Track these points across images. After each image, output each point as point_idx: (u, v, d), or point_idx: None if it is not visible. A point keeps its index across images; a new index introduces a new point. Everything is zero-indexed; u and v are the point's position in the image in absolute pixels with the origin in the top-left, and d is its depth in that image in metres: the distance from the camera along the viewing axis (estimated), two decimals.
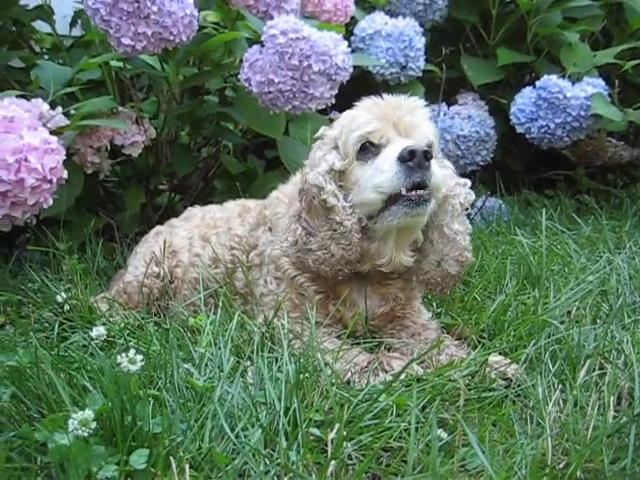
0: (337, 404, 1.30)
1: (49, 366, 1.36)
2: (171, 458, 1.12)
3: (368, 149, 1.69)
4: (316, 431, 1.24)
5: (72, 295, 1.98)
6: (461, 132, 3.51)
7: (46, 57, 3.16)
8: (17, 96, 2.37)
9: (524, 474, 1.13)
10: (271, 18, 2.59)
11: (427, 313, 1.92)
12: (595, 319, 1.82)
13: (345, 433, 1.20)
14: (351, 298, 1.79)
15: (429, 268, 1.78)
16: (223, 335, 1.60)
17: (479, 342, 1.76)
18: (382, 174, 1.63)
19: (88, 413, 1.10)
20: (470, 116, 3.56)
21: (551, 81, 3.30)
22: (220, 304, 1.84)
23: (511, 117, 3.47)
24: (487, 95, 3.70)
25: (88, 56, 2.81)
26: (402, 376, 1.45)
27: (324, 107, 2.64)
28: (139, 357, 1.20)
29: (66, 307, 1.95)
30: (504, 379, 1.52)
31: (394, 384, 1.40)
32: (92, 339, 1.56)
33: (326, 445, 1.21)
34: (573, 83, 3.32)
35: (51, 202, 2.18)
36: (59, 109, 2.48)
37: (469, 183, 1.82)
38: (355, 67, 2.71)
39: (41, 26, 3.18)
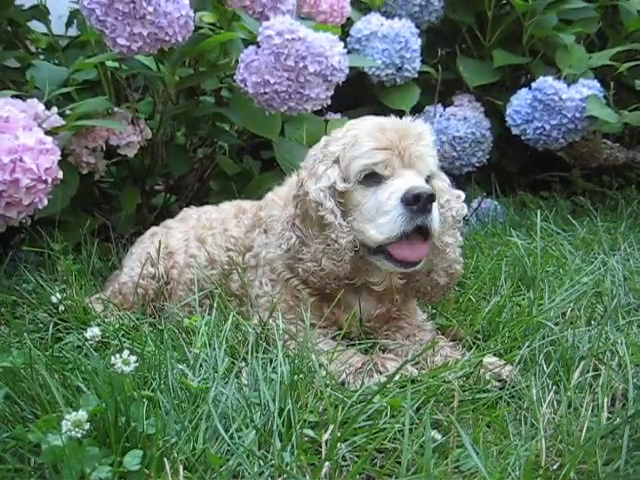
0: (331, 405, 1.30)
1: (43, 367, 1.35)
2: (165, 459, 1.12)
3: (372, 176, 1.67)
4: (310, 432, 1.24)
5: (67, 296, 1.97)
6: (457, 133, 3.52)
7: (42, 57, 3.16)
8: (12, 96, 2.36)
9: (518, 475, 1.13)
10: (267, 19, 2.59)
11: (422, 314, 1.92)
12: (589, 320, 1.83)
13: (339, 434, 1.20)
14: (346, 301, 1.79)
15: (420, 277, 1.79)
16: (218, 336, 1.60)
17: (474, 343, 1.76)
18: (385, 214, 1.62)
19: (81, 414, 1.10)
20: (466, 117, 3.56)
21: (547, 83, 3.31)
22: (215, 305, 1.84)
23: (507, 118, 3.48)
24: (483, 96, 3.71)
25: (84, 56, 2.81)
26: (396, 377, 1.45)
27: (320, 108, 2.64)
28: (133, 358, 1.20)
29: (61, 308, 1.94)
30: (498, 380, 1.52)
31: (388, 385, 1.40)
32: (86, 340, 1.55)
33: (320, 446, 1.21)
34: (568, 85, 3.33)
35: (46, 202, 2.18)
36: (54, 109, 2.48)
37: (463, 196, 1.83)
38: (351, 68, 2.71)
39: (37, 26, 3.18)
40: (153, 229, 2.32)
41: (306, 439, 1.23)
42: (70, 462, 1.05)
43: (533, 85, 3.38)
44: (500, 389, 1.48)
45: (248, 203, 2.14)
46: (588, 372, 1.48)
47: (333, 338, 1.73)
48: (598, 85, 3.33)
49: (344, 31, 3.34)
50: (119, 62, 2.73)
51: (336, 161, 1.72)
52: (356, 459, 1.20)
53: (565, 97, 3.26)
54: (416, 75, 3.41)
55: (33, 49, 3.29)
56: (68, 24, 3.30)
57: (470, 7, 3.70)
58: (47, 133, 2.25)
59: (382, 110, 3.46)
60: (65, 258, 2.25)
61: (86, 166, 2.70)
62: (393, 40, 3.30)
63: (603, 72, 3.52)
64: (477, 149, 3.56)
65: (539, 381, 1.48)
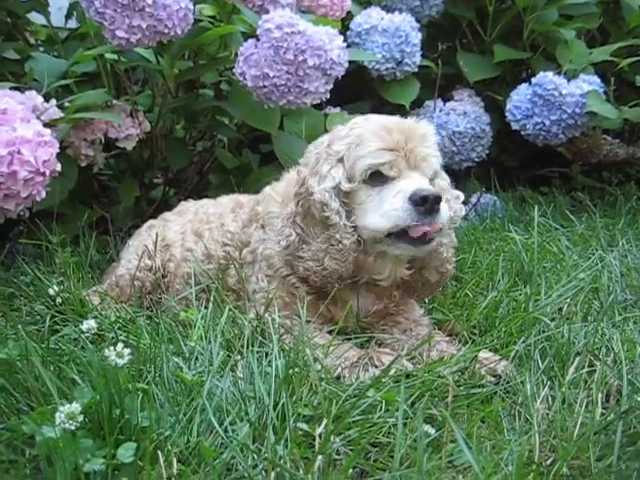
0: (326, 399, 1.31)
1: (38, 359, 1.35)
2: (159, 451, 1.12)
3: (377, 177, 1.67)
4: (304, 426, 1.24)
5: (64, 288, 1.97)
6: (456, 128, 3.51)
7: (41, 49, 3.16)
8: (11, 88, 2.36)
9: (510, 470, 1.13)
10: (267, 12, 2.59)
11: (420, 309, 1.92)
12: (586, 316, 1.83)
13: (333, 428, 1.20)
14: (343, 298, 1.78)
15: (411, 273, 1.79)
16: (214, 329, 1.60)
17: (470, 338, 1.77)
18: (393, 209, 1.61)
19: (75, 406, 1.10)
20: (466, 112, 3.55)
21: (547, 78, 3.30)
22: (212, 299, 1.84)
23: (507, 114, 3.47)
24: (483, 91, 3.70)
25: (83, 48, 2.81)
26: (392, 372, 1.45)
27: (319, 102, 2.64)
28: (127, 350, 1.20)
29: (58, 300, 1.94)
30: (494, 375, 1.52)
31: (383, 380, 1.40)
32: (82, 332, 1.56)
33: (314, 440, 1.21)
34: (569, 80, 3.32)
35: (44, 195, 2.17)
36: (53, 101, 2.48)
37: (462, 197, 1.83)
38: (351, 62, 2.71)
39: (36, 18, 3.17)
40: (150, 222, 2.32)
41: (300, 433, 1.23)
42: (64, 454, 1.05)
43: (533, 80, 3.37)
44: (495, 384, 1.49)
45: (245, 197, 2.14)
46: (583, 368, 1.48)
47: (329, 332, 1.73)
48: (598, 81, 3.32)
49: (344, 25, 3.33)
50: (118, 54, 2.73)
51: (340, 160, 1.71)
52: (349, 453, 1.20)
53: (565, 92, 3.26)
54: (416, 69, 3.40)
55: (32, 41, 3.28)
56: (67, 16, 3.29)
57: (471, 1, 3.69)
58: (45, 125, 2.25)
59: (382, 104, 3.47)
60: (63, 250, 2.26)
61: (85, 159, 2.70)
62: (393, 34, 3.30)
63: (604, 68, 3.52)
64: (477, 144, 3.56)
65: (534, 377, 1.48)
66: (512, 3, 3.58)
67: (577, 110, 3.27)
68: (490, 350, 1.64)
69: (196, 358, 1.49)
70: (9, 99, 2.19)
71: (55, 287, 1.95)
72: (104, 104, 2.73)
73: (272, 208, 1.88)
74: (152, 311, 2.00)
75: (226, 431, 1.22)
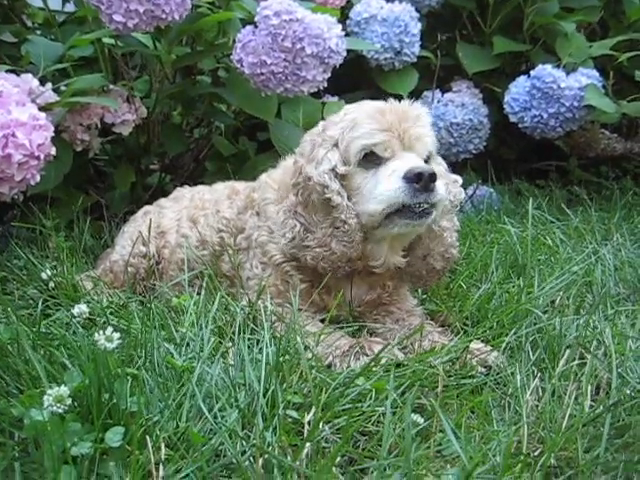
0: (316, 387, 1.31)
1: (27, 343, 1.35)
2: (147, 436, 1.12)
3: (371, 158, 1.67)
4: (294, 413, 1.25)
5: (57, 273, 1.97)
6: (454, 120, 3.50)
7: (38, 32, 3.13)
8: (7, 71, 2.35)
9: (498, 461, 1.14)
10: None
11: (413, 300, 1.93)
12: (578, 309, 1.83)
13: (322, 416, 1.20)
14: (337, 287, 1.78)
15: (415, 261, 1.79)
16: (205, 316, 1.60)
17: (462, 329, 1.77)
18: (386, 188, 1.62)
19: (63, 390, 1.10)
20: (464, 104, 3.55)
21: (545, 71, 3.29)
22: (204, 285, 1.84)
23: (505, 106, 3.46)
24: (481, 83, 3.69)
25: (80, 32, 2.79)
26: (383, 361, 1.45)
27: (316, 90, 2.63)
28: (116, 335, 1.20)
29: (51, 284, 1.94)
30: (484, 366, 1.53)
31: (374, 369, 1.41)
32: (73, 317, 1.55)
33: (303, 427, 1.21)
34: (568, 73, 3.31)
35: (38, 179, 2.16)
36: (49, 85, 2.46)
37: (460, 181, 1.83)
38: (349, 51, 2.70)
39: (33, 1, 3.15)
40: (146, 208, 2.32)
41: (289, 420, 1.23)
42: (52, 437, 1.05)
43: (532, 73, 3.36)
44: (485, 375, 1.49)
45: (241, 184, 2.14)
46: (574, 360, 1.48)
47: (321, 321, 1.73)
48: (597, 74, 3.31)
49: (343, 13, 3.32)
50: (115, 39, 2.71)
51: (335, 144, 1.71)
52: (338, 441, 1.21)
53: (564, 86, 3.25)
54: (415, 60, 3.39)
55: (29, 24, 3.26)
56: None
57: None
58: (41, 109, 2.24)
59: (380, 94, 3.44)
60: (57, 235, 2.25)
61: (80, 143, 2.69)
62: (392, 24, 3.28)
63: (603, 62, 3.51)
64: (474, 136, 3.55)
65: (524, 368, 1.48)
66: None
67: (575, 103, 3.26)
68: (482, 341, 1.64)
69: (187, 344, 1.50)
70: (4, 82, 2.17)
71: (48, 271, 1.95)
72: (101, 89, 2.72)
73: (268, 195, 1.88)
74: (145, 297, 1.99)
75: (215, 417, 1.22)
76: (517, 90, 3.39)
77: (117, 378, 1.21)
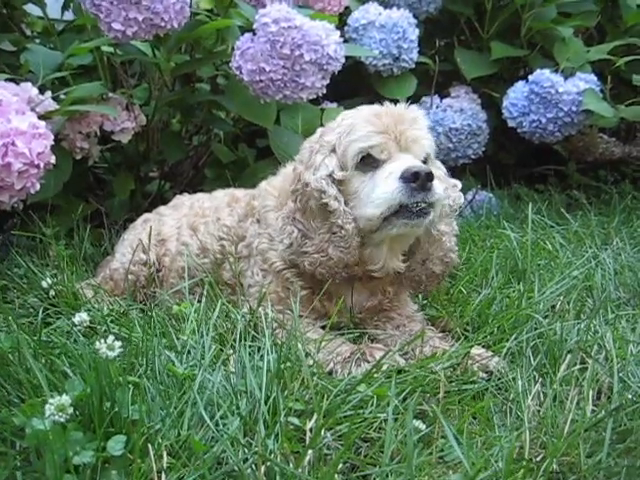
0: (317, 394, 1.31)
1: (30, 351, 1.35)
2: (149, 445, 1.12)
3: (368, 161, 1.67)
4: (295, 420, 1.24)
5: (58, 281, 1.97)
6: (453, 125, 3.51)
7: (37, 41, 3.14)
8: (6, 79, 2.35)
9: (500, 467, 1.13)
10: (264, 6, 2.59)
11: (413, 305, 1.92)
12: (579, 314, 1.83)
13: (324, 422, 1.20)
14: (338, 293, 1.78)
15: (415, 266, 1.79)
16: (206, 323, 1.60)
17: (463, 335, 1.77)
18: (383, 190, 1.62)
19: (65, 399, 1.10)
20: (462, 109, 3.55)
21: (543, 76, 3.30)
22: (205, 293, 1.84)
23: (503, 111, 3.47)
24: (480, 88, 3.70)
25: (80, 41, 2.80)
26: (384, 367, 1.45)
27: (315, 97, 2.63)
28: (117, 343, 1.20)
29: (51, 293, 1.94)
30: (486, 372, 1.53)
31: (375, 375, 1.41)
32: (74, 325, 1.55)
33: (305, 434, 1.21)
34: (566, 78, 3.32)
35: (38, 187, 2.17)
36: (48, 93, 2.47)
37: (459, 185, 1.83)
38: (348, 57, 2.71)
39: (32, 9, 3.15)
40: (145, 215, 2.32)
41: (291, 427, 1.23)
42: (53, 446, 1.05)
43: (530, 78, 3.37)
44: (487, 381, 1.49)
45: (241, 192, 2.14)
46: (575, 365, 1.48)
47: (323, 327, 1.73)
48: (595, 79, 3.32)
49: (342, 20, 3.34)
50: (114, 47, 2.72)
51: (333, 150, 1.72)
52: (340, 448, 1.20)
53: (562, 90, 3.25)
54: (413, 65, 3.40)
55: (28, 33, 3.27)
56: (64, 8, 3.27)
57: None
58: (40, 117, 2.24)
59: (378, 100, 3.44)
60: (57, 243, 2.25)
61: (80, 151, 2.70)
62: (391, 30, 3.29)
63: (601, 66, 3.51)
64: (473, 141, 3.56)
65: (525, 373, 1.48)
66: (510, 0, 3.57)
67: (573, 108, 3.27)
68: (482, 346, 1.64)
69: (188, 352, 1.49)
70: (4, 91, 2.18)
71: (48, 280, 1.95)
72: (100, 97, 2.73)
73: (268, 202, 1.88)
74: (146, 305, 1.99)
75: (217, 425, 1.22)
76: (515, 95, 3.40)
77: (118, 386, 1.21)
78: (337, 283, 1.76)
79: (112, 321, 1.74)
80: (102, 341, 1.21)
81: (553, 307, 1.90)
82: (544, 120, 3.32)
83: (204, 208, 2.14)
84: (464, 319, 1.84)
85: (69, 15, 3.32)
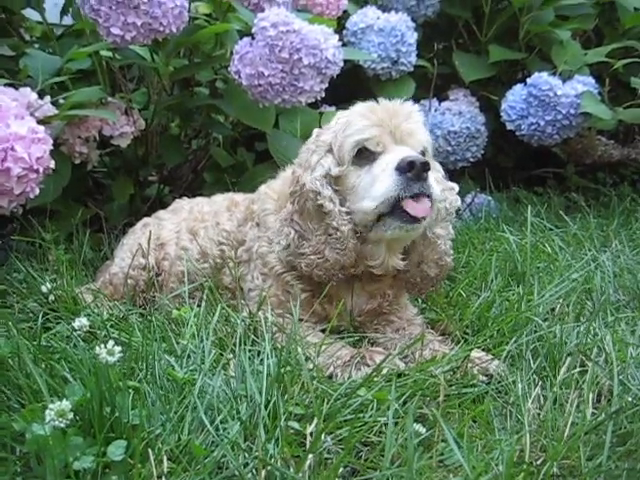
0: (317, 398, 1.31)
1: (30, 356, 1.35)
2: (149, 450, 1.12)
3: (364, 155, 1.68)
4: (295, 424, 1.24)
5: (57, 286, 1.97)
6: (452, 128, 3.51)
7: (36, 46, 3.14)
8: (5, 84, 2.35)
9: (501, 470, 1.13)
10: (262, 10, 2.59)
11: (413, 309, 1.93)
12: (578, 317, 1.83)
13: (324, 427, 1.20)
14: (338, 296, 1.78)
15: (410, 268, 1.79)
16: (206, 328, 1.60)
17: (462, 338, 1.77)
18: (380, 183, 1.62)
19: (65, 404, 1.10)
20: (461, 112, 3.56)
21: (542, 79, 3.30)
22: (205, 297, 1.84)
23: (502, 114, 3.47)
24: (478, 91, 3.70)
25: (78, 45, 2.80)
26: (384, 371, 1.45)
27: (314, 101, 2.64)
28: (117, 348, 1.20)
29: (51, 298, 1.94)
30: (485, 375, 1.53)
31: (375, 379, 1.41)
32: (74, 330, 1.55)
33: (305, 439, 1.21)
34: (564, 81, 3.33)
35: (37, 192, 2.16)
36: (47, 98, 2.47)
37: (457, 188, 1.83)
38: (346, 61, 2.71)
39: (31, 14, 3.15)
40: (145, 220, 2.32)
41: (291, 431, 1.23)
42: (53, 451, 1.05)
43: (528, 81, 3.37)
44: (487, 384, 1.49)
45: (240, 196, 2.14)
46: (575, 368, 1.48)
47: (322, 331, 1.73)
48: (593, 82, 3.33)
49: (340, 24, 3.34)
50: (113, 52, 2.72)
51: (329, 150, 1.72)
52: (340, 452, 1.21)
53: (560, 93, 3.26)
54: (412, 69, 3.40)
55: (27, 37, 3.27)
56: (63, 13, 3.27)
57: (467, 1, 3.69)
58: (40, 122, 2.24)
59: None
60: (56, 248, 2.25)
61: (79, 156, 2.70)
62: (389, 34, 3.29)
63: (599, 69, 3.53)
64: (472, 144, 3.56)
65: (525, 376, 1.48)
66: (508, 3, 3.58)
67: (572, 111, 3.28)
68: (482, 350, 1.64)
69: (188, 356, 1.49)
70: (3, 96, 2.18)
71: (48, 284, 1.95)
72: (99, 101, 2.73)
73: (267, 205, 1.89)
74: (145, 309, 1.99)
75: (217, 429, 1.22)
76: (514, 98, 3.40)
77: (118, 391, 1.21)
78: (337, 286, 1.77)
79: (112, 326, 1.74)
80: (102, 346, 1.21)
81: (553, 310, 1.91)
82: (542, 123, 3.33)
83: (203, 212, 2.14)
84: (464, 322, 1.84)
85: (68, 20, 3.32)
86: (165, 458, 1.12)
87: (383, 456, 1.16)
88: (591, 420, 1.28)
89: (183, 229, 2.14)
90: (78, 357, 1.39)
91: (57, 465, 1.05)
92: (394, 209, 1.62)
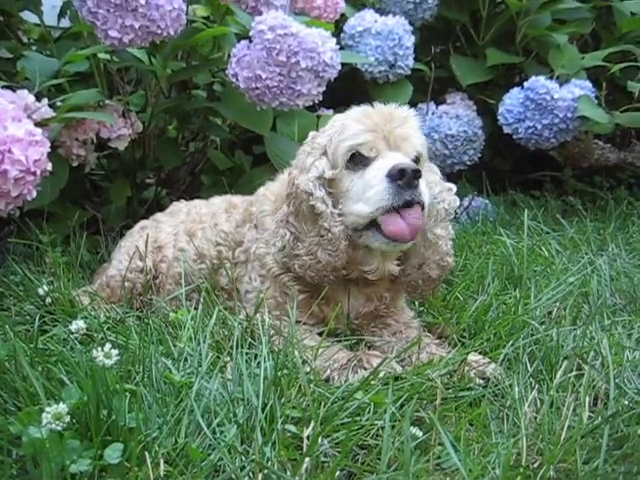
0: (314, 401, 1.31)
1: (26, 359, 1.35)
2: (146, 453, 1.12)
3: (358, 159, 1.68)
4: (292, 428, 1.24)
5: (54, 288, 1.97)
6: (449, 131, 3.52)
7: (33, 48, 3.15)
8: (3, 87, 2.35)
9: (497, 473, 1.13)
10: (260, 14, 2.59)
11: (410, 312, 1.93)
12: (575, 320, 1.84)
13: (321, 430, 1.20)
14: (335, 299, 1.79)
15: (411, 270, 1.79)
16: (203, 330, 1.60)
17: (459, 341, 1.77)
18: (372, 189, 1.62)
19: (62, 407, 1.10)
20: (458, 115, 3.57)
21: (539, 82, 3.32)
22: (202, 299, 1.84)
23: (499, 117, 3.48)
24: (475, 95, 3.72)
25: (76, 48, 2.80)
26: (381, 374, 1.45)
27: (312, 104, 2.64)
28: (114, 351, 1.20)
29: (48, 300, 1.94)
30: (482, 378, 1.53)
31: (372, 382, 1.41)
32: (71, 333, 1.55)
33: (302, 442, 1.21)
34: (561, 85, 3.34)
35: (35, 194, 2.17)
36: (45, 101, 2.47)
37: (454, 189, 1.83)
38: (344, 64, 2.72)
39: (29, 16, 3.16)
40: (142, 222, 2.32)
41: (288, 434, 1.23)
42: (50, 455, 1.05)
43: (525, 84, 3.39)
44: (483, 387, 1.49)
45: (238, 198, 2.14)
46: (571, 371, 1.48)
47: (319, 334, 1.73)
48: (590, 85, 3.34)
49: (338, 27, 3.35)
50: (111, 54, 2.72)
51: (324, 153, 1.73)
52: (337, 455, 1.20)
53: (557, 97, 3.27)
54: (409, 72, 3.41)
55: (25, 40, 3.28)
56: (61, 15, 3.28)
57: (464, 5, 3.71)
58: (37, 125, 2.24)
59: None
60: (53, 250, 2.25)
61: (76, 158, 2.70)
62: (386, 37, 3.30)
63: (596, 73, 3.54)
64: (469, 147, 3.57)
65: (522, 380, 1.48)
66: (505, 7, 3.60)
67: (569, 114, 3.29)
68: (479, 353, 1.64)
69: (185, 359, 1.49)
70: (0, 98, 2.18)
71: (45, 287, 1.95)
72: (96, 104, 2.73)
73: (265, 207, 1.89)
74: (143, 312, 1.99)
75: (214, 432, 1.22)
76: (511, 102, 3.41)
77: (115, 394, 1.20)
78: (334, 288, 1.77)
79: (109, 328, 1.73)
80: (99, 349, 1.21)
81: (549, 313, 1.91)
82: (539, 126, 3.34)
83: (201, 214, 2.15)
84: (460, 326, 1.84)
85: (65, 22, 3.32)
86: (162, 461, 1.12)
87: (380, 459, 1.15)
88: (587, 423, 1.28)
89: (181, 231, 2.14)
90: (75, 360, 1.39)
91: (54, 468, 1.05)
92: (375, 225, 1.63)
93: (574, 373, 1.48)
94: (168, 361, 1.47)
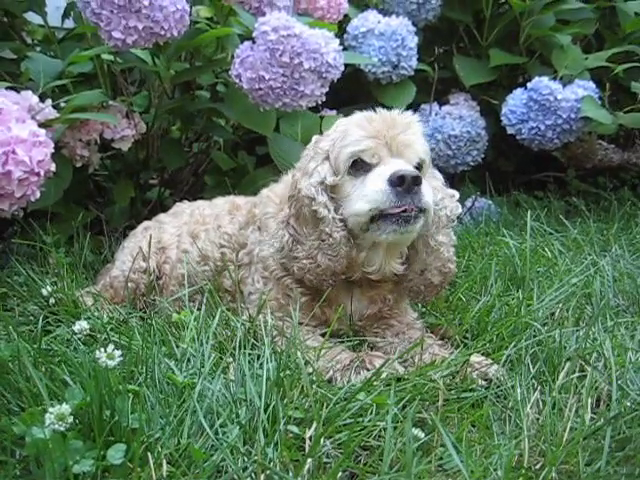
0: (317, 402, 1.31)
1: (30, 360, 1.35)
2: (149, 453, 1.13)
3: (359, 165, 1.68)
4: (295, 428, 1.25)
5: (58, 289, 1.97)
6: (452, 132, 3.52)
7: (37, 49, 3.15)
8: (7, 88, 2.36)
9: (499, 475, 1.14)
10: (263, 14, 2.60)
11: (413, 313, 1.93)
12: (578, 321, 1.83)
13: (323, 431, 1.21)
14: (338, 301, 1.79)
15: (413, 276, 1.79)
16: (206, 331, 1.60)
17: (462, 342, 1.77)
18: (372, 190, 1.63)
19: (65, 407, 1.10)
20: (461, 116, 3.56)
21: (542, 83, 3.31)
22: (205, 300, 1.85)
23: (502, 118, 3.48)
24: (479, 96, 3.71)
25: (80, 49, 2.81)
26: (383, 375, 1.45)
27: (315, 104, 2.64)
28: (117, 352, 1.21)
29: (51, 301, 1.95)
30: (485, 380, 1.53)
31: (375, 383, 1.41)
32: (74, 333, 1.56)
33: (304, 443, 1.21)
34: (564, 85, 3.34)
35: (38, 195, 2.17)
36: (49, 102, 2.48)
37: (457, 195, 1.83)
38: (347, 65, 2.72)
39: (33, 17, 3.16)
40: (146, 223, 2.33)
41: (290, 435, 1.23)
42: (53, 455, 1.06)
43: (529, 85, 3.38)
44: (486, 388, 1.49)
45: (242, 199, 2.15)
46: (574, 373, 1.48)
47: (322, 335, 1.73)
48: (593, 86, 3.34)
49: (341, 28, 3.35)
50: (114, 55, 2.73)
51: (326, 157, 1.73)
52: (339, 456, 1.21)
53: (560, 97, 3.27)
54: (412, 73, 3.41)
55: (29, 41, 3.28)
56: (65, 16, 3.28)
57: (468, 6, 3.70)
58: (41, 125, 2.25)
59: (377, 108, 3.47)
60: (57, 251, 2.26)
61: (80, 159, 2.70)
62: (390, 38, 3.30)
63: (599, 73, 3.53)
64: (472, 148, 3.57)
65: (524, 381, 1.48)
66: (509, 8, 3.59)
67: (572, 115, 3.28)
68: (482, 354, 1.64)
69: (188, 360, 1.50)
70: (4, 99, 2.18)
71: (48, 287, 1.96)
72: (100, 105, 2.73)
73: (269, 209, 1.90)
74: (146, 313, 1.99)
75: (216, 433, 1.22)
76: (514, 102, 3.41)
77: (118, 395, 1.21)
78: (337, 290, 1.77)
79: (112, 329, 1.74)
80: (102, 350, 1.21)
81: (552, 314, 1.91)
82: (543, 127, 3.33)
83: (204, 215, 2.15)
84: (463, 327, 1.84)
85: (69, 23, 3.33)
86: (164, 462, 1.13)
87: (382, 460, 1.16)
88: (590, 425, 1.28)
89: (184, 233, 2.14)
90: (78, 360, 1.40)
91: (57, 469, 1.05)
92: (386, 214, 1.63)
93: (577, 374, 1.48)
94: (171, 362, 1.47)
